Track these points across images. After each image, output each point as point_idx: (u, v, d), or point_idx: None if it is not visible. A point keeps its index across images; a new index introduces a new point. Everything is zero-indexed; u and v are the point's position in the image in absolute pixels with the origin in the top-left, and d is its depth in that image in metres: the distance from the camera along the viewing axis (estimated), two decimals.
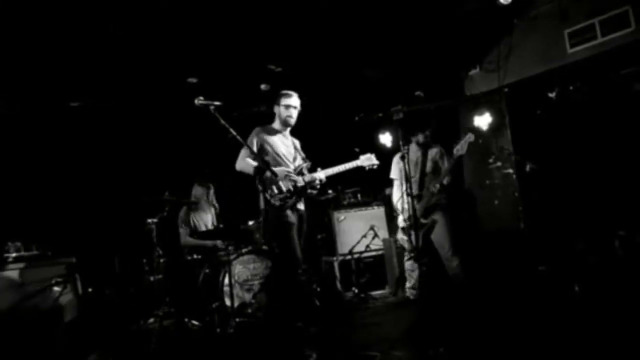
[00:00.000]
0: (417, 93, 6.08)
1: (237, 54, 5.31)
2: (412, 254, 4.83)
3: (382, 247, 6.05)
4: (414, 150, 4.96)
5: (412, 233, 4.54)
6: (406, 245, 4.85)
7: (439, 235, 4.73)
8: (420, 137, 4.95)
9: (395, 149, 5.61)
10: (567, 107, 5.71)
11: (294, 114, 4.01)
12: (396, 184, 4.96)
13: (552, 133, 5.79)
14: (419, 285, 4.71)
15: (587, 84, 5.56)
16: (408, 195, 4.00)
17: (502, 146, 6.13)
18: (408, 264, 5.01)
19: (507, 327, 3.73)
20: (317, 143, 6.53)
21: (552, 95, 5.83)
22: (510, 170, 6.15)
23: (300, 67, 5.78)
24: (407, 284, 5.14)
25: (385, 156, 6.38)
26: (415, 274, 4.91)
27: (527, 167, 5.01)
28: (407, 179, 3.93)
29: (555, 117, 5.83)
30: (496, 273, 5.29)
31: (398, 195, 4.90)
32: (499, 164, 6.33)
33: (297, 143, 4.17)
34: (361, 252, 5.95)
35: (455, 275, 4.66)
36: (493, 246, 5.84)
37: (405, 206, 4.65)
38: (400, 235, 4.86)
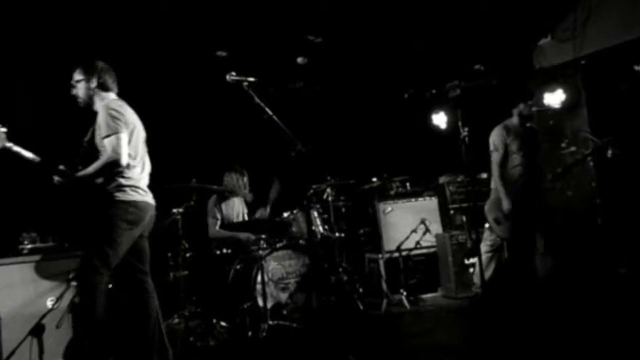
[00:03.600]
0: (476, 67, 6.06)
1: (272, 22, 5.33)
2: (496, 244, 4.96)
3: (434, 243, 6.04)
4: (515, 123, 5.00)
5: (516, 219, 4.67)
6: (498, 232, 4.87)
7: (538, 224, 4.82)
8: (524, 108, 4.94)
9: (451, 131, 5.57)
10: None
11: None
12: (497, 156, 4.92)
13: (637, 113, 5.61)
14: (491, 282, 4.85)
15: None
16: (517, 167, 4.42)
17: (578, 128, 6.04)
18: (487, 256, 5.02)
19: (582, 342, 3.65)
20: (362, 124, 6.64)
21: (638, 68, 5.66)
22: (589, 157, 5.78)
23: (342, 37, 5.80)
24: (476, 280, 5.18)
25: (440, 139, 6.40)
26: (492, 268, 4.99)
27: (609, 153, 4.86)
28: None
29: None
30: (570, 275, 5.21)
31: (497, 171, 4.91)
32: (573, 148, 6.23)
33: None
34: (410, 249, 5.91)
35: (544, 276, 4.74)
36: (566, 244, 5.67)
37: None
38: (497, 217, 4.86)
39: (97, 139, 3.49)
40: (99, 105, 3.55)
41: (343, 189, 5.92)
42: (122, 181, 3.44)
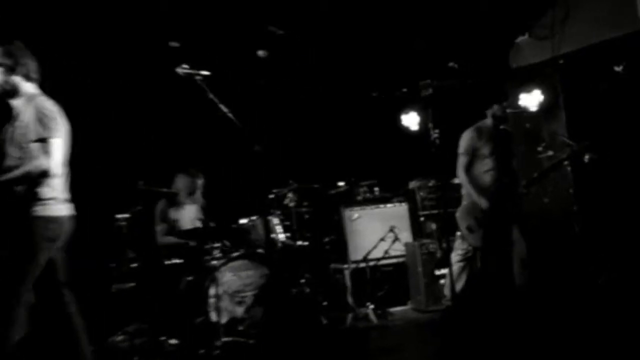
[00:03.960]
0: (450, 64, 6.07)
1: (230, 11, 5.32)
2: (469, 254, 5.03)
3: (404, 253, 6.05)
4: (488, 125, 5.08)
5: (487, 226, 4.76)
6: (471, 240, 4.93)
7: (515, 232, 4.89)
8: (498, 110, 5.02)
9: (423, 133, 5.65)
10: (638, 83, 5.65)
11: None
12: (463, 160, 5.00)
13: (617, 116, 5.75)
14: (462, 293, 4.94)
15: None
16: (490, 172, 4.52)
17: (555, 131, 6.11)
18: (458, 266, 5.08)
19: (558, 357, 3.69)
20: (328, 124, 6.66)
21: (618, 69, 5.81)
22: (565, 162, 5.81)
23: (307, 30, 5.80)
24: (447, 292, 5.21)
25: (410, 141, 6.46)
26: (464, 279, 5.06)
27: (586, 158, 4.99)
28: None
29: (622, 96, 5.77)
30: (546, 286, 5.28)
31: (463, 175, 4.98)
32: (550, 153, 6.29)
33: None
34: (378, 259, 5.91)
35: (519, 287, 4.81)
36: (542, 253, 5.73)
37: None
38: (470, 225, 4.91)
39: (20, 139, 3.28)
40: (22, 100, 3.34)
41: (306, 193, 5.91)
42: (45, 193, 3.28)
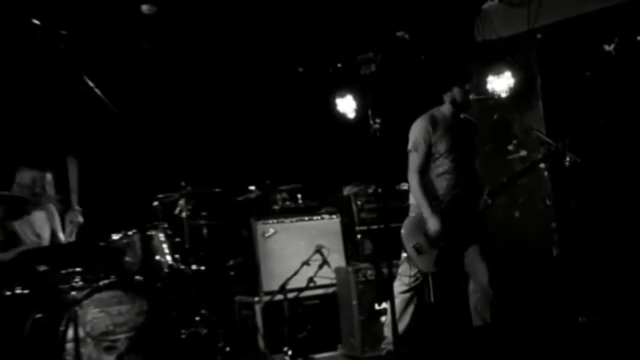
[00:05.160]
0: (399, 34, 6.23)
1: None
2: (417, 282, 5.02)
3: (334, 281, 6.05)
4: (446, 113, 5.07)
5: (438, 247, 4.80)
6: (420, 265, 4.93)
7: (474, 258, 4.90)
8: (458, 94, 5.00)
9: (362, 122, 5.48)
10: (633, 66, 5.70)
11: None
12: (416, 158, 4.97)
13: (607, 108, 5.83)
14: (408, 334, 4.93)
15: None
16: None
17: (530, 126, 6.09)
18: (403, 298, 5.03)
19: None
20: (237, 109, 6.60)
21: (609, 48, 5.84)
22: (542, 165, 6.04)
23: None
24: (387, 333, 5.17)
25: (346, 132, 6.44)
26: (409, 315, 5.04)
27: (567, 161, 4.97)
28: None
29: (613, 81, 5.84)
30: (516, 323, 5.34)
31: (416, 179, 4.94)
32: (523, 152, 6.33)
33: None
34: (300, 290, 5.89)
35: (483, 325, 4.82)
36: (511, 282, 5.86)
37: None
38: (418, 244, 4.90)
39: None
40: None
41: (205, 200, 5.96)
42: None
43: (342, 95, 6.62)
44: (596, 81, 6.00)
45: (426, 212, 4.83)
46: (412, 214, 5.02)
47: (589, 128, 5.83)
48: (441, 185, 4.93)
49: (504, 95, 6.23)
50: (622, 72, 5.84)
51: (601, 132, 5.82)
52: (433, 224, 4.79)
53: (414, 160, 4.95)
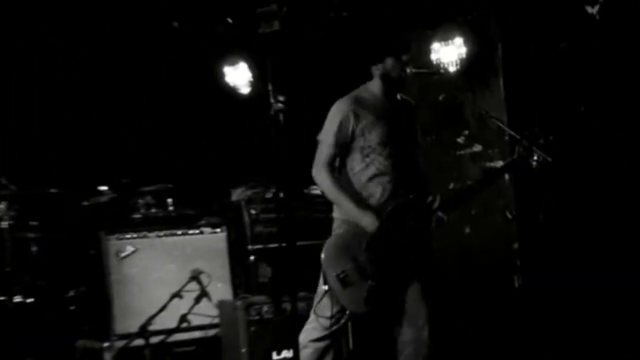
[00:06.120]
0: None
1: None
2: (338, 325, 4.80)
3: (217, 320, 6.09)
4: (376, 93, 4.85)
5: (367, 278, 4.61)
6: (345, 300, 4.69)
7: (415, 297, 4.71)
8: (392, 67, 4.79)
9: (258, 97, 5.72)
10: (623, 34, 5.79)
11: None
12: (327, 151, 4.76)
13: (589, 88, 5.91)
14: None
15: None
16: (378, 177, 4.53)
17: (487, 111, 6.02)
18: (316, 348, 4.78)
19: None
20: (81, 79, 6.82)
21: (592, 10, 5.88)
22: (501, 162, 5.89)
23: None
24: None
25: (238, 109, 6.54)
26: None
27: (534, 160, 4.88)
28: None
29: (597, 54, 5.93)
30: None
31: (325, 173, 4.74)
32: (477, 147, 6.47)
33: None
34: (169, 332, 5.97)
35: None
36: (462, 320, 6.12)
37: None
38: (344, 273, 4.65)
39: None
40: None
41: (35, 205, 6.04)
42: None
43: (233, 63, 6.69)
44: (575, 54, 6.07)
45: (353, 211, 4.62)
46: (337, 230, 4.79)
47: (565, 116, 5.87)
48: (374, 191, 4.69)
49: (452, 69, 6.33)
50: (608, 43, 5.88)
51: (580, 122, 5.84)
52: (369, 222, 4.57)
53: (325, 153, 4.74)
